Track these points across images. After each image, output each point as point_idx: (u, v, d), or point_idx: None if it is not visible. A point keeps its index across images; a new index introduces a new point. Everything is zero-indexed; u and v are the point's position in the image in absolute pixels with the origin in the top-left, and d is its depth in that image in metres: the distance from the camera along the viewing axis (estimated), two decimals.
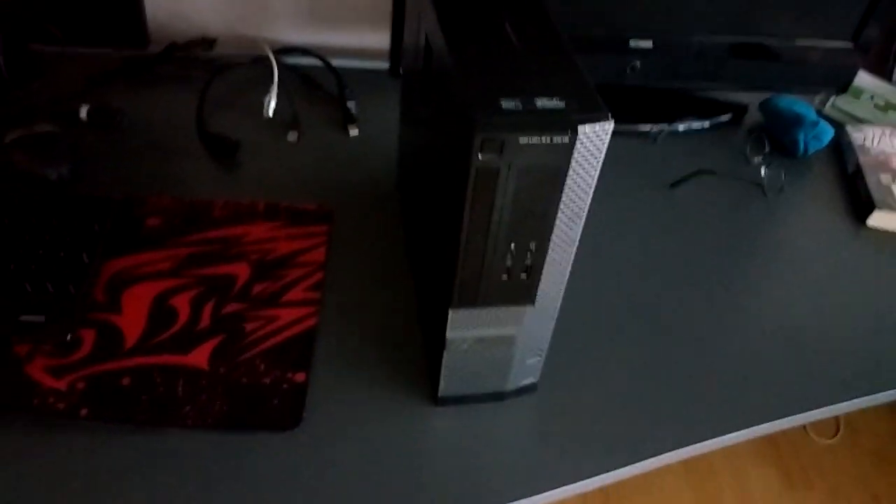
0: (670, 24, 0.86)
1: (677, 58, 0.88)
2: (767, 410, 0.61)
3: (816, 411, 0.62)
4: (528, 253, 0.47)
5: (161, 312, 0.62)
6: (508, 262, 0.47)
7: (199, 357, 0.59)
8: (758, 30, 0.87)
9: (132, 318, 0.61)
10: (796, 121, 0.89)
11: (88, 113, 0.80)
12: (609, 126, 0.42)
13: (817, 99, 1.00)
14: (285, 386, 0.58)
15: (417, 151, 0.63)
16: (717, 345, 0.66)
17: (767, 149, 0.88)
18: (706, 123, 0.94)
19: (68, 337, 0.58)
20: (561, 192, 0.44)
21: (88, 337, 0.59)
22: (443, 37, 0.48)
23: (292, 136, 0.83)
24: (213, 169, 0.78)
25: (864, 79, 0.96)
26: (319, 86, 0.90)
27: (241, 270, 0.67)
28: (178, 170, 0.77)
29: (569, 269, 0.50)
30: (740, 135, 0.93)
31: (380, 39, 0.98)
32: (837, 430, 1.55)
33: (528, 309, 0.51)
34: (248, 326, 0.62)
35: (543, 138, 0.41)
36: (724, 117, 0.96)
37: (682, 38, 0.87)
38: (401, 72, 0.85)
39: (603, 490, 1.36)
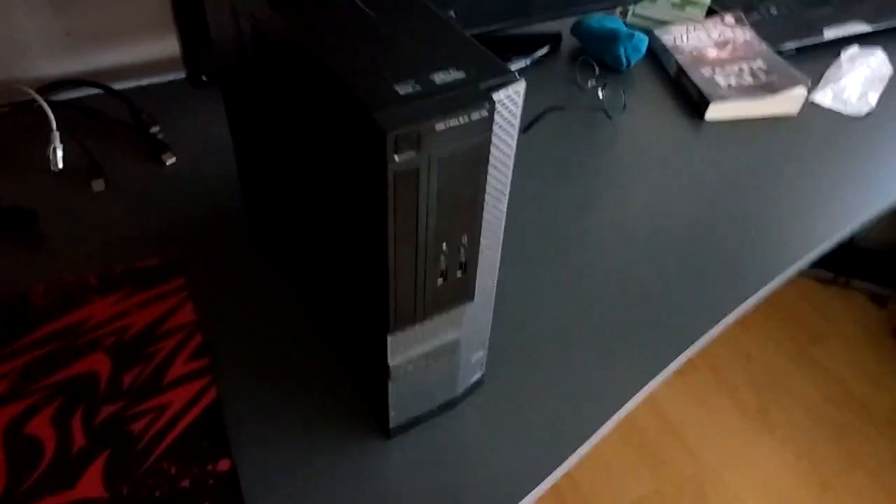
0: None
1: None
2: (686, 329, 0.61)
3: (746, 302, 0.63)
4: (462, 248, 0.41)
5: (21, 447, 0.48)
6: (443, 265, 0.41)
7: (91, 485, 0.47)
8: None
9: None
10: (612, 37, 0.90)
11: None
12: (521, 86, 0.37)
13: (618, 13, 1.02)
14: (210, 481, 0.48)
15: (275, 168, 0.54)
16: (609, 267, 0.65)
17: (597, 71, 0.88)
18: (528, 61, 0.93)
19: None
20: (485, 171, 0.38)
21: None
22: (282, 20, 0.40)
23: (98, 185, 0.68)
24: (12, 251, 0.62)
25: None
26: (108, 117, 0.75)
27: (101, 363, 0.54)
28: None
29: (500, 249, 0.45)
30: (560, 63, 0.93)
31: (163, 47, 0.84)
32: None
33: (468, 306, 0.46)
34: (136, 427, 0.50)
35: (461, 119, 0.35)
36: (543, 50, 0.95)
37: None
38: (203, 78, 0.74)
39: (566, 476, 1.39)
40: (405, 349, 0.45)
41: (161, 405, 0.52)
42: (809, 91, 0.88)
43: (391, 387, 0.47)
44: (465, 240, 0.41)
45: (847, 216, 0.73)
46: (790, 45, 0.96)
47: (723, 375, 1.59)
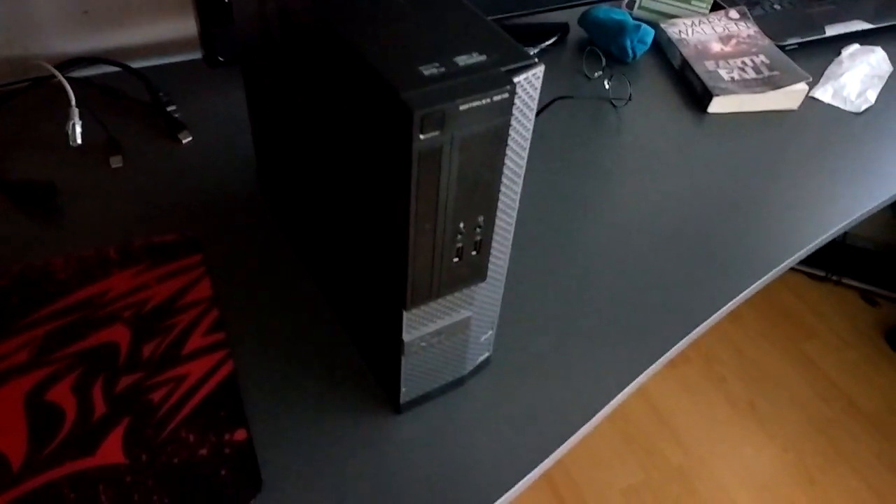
0: None
1: None
2: (686, 317, 0.63)
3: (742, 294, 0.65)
4: (477, 228, 0.43)
5: (41, 414, 0.50)
6: (459, 243, 0.43)
7: (111, 452, 0.49)
8: None
9: (8, 432, 0.49)
10: (619, 28, 0.91)
11: None
12: (540, 70, 0.39)
13: (624, 4, 1.04)
14: (227, 450, 0.49)
15: (293, 147, 0.55)
16: (612, 253, 0.67)
17: (604, 62, 0.90)
18: (535, 50, 0.94)
19: None
20: (504, 153, 0.40)
21: None
22: (310, 2, 0.41)
23: (116, 162, 0.70)
24: (31, 224, 0.64)
25: None
26: (126, 95, 0.76)
27: (120, 334, 0.56)
28: None
29: (512, 231, 0.47)
30: (567, 53, 0.95)
31: (179, 27, 0.85)
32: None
33: (481, 286, 0.48)
34: (156, 396, 0.52)
35: (483, 99, 0.36)
36: (551, 40, 0.96)
37: None
38: (220, 58, 0.76)
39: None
40: (419, 326, 0.47)
41: (179, 376, 0.54)
42: (810, 87, 0.90)
43: (404, 362, 0.49)
44: (481, 220, 0.43)
45: (843, 212, 0.75)
46: (792, 41, 0.97)
47: (714, 368, 1.61)
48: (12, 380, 0.52)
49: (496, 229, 0.45)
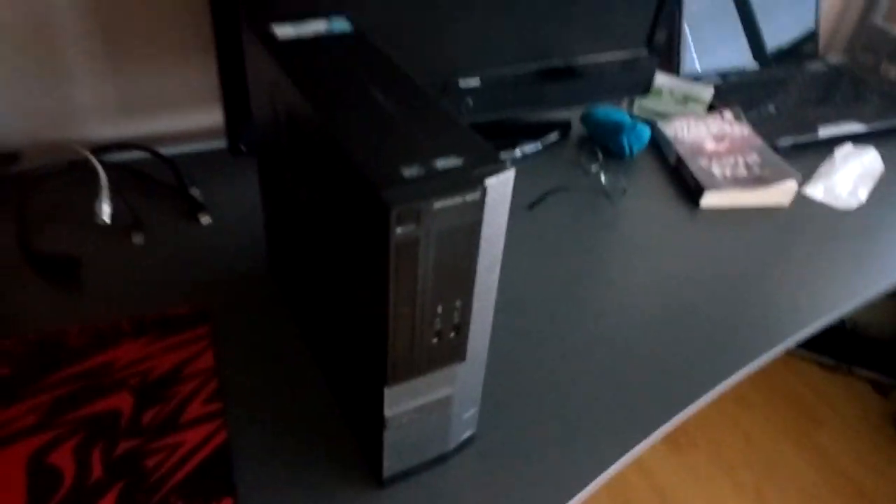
0: (490, 60, 0.90)
1: (503, 90, 0.93)
2: (676, 397, 0.65)
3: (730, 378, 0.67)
4: (455, 312, 0.46)
5: (42, 476, 0.53)
6: (438, 326, 0.46)
7: None
8: (563, 53, 0.94)
9: (7, 492, 0.52)
10: (617, 127, 0.97)
11: None
12: (511, 174, 0.43)
13: (624, 104, 1.10)
14: None
15: (297, 232, 0.60)
16: (604, 339, 0.69)
17: (600, 157, 0.95)
18: (539, 145, 1.00)
19: None
20: (478, 245, 0.44)
21: None
22: (312, 109, 0.46)
23: (138, 239, 0.75)
24: (54, 295, 0.68)
25: (661, 79, 1.08)
26: (153, 179, 0.83)
27: (123, 401, 0.59)
28: (12, 305, 0.67)
29: (491, 315, 0.50)
30: (569, 149, 1.00)
31: (207, 118, 0.93)
32: None
33: (461, 365, 0.50)
34: (150, 462, 0.55)
35: (456, 199, 0.41)
36: (553, 136, 1.02)
37: (501, 71, 0.92)
38: (242, 148, 0.82)
39: None
40: (401, 402, 0.49)
41: (175, 444, 0.56)
42: (802, 184, 0.94)
43: (386, 437, 0.51)
44: (458, 304, 0.46)
45: (834, 302, 0.77)
46: (786, 142, 1.02)
47: (722, 454, 1.59)
48: (18, 442, 0.55)
49: (474, 313, 0.48)
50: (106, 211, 0.76)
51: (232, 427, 0.58)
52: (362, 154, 0.43)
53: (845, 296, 0.78)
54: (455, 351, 0.49)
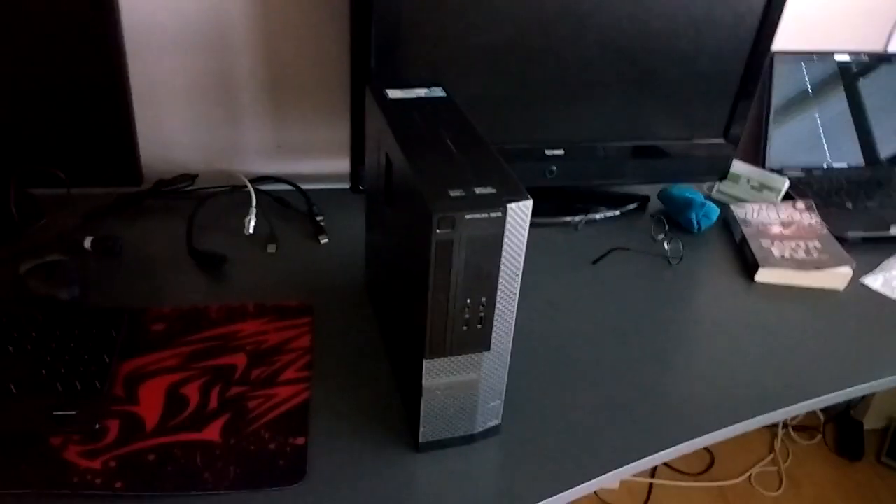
0: (578, 135, 1.05)
1: (586, 161, 1.07)
2: (696, 428, 0.74)
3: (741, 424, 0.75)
4: (481, 306, 0.61)
5: (174, 400, 0.72)
6: (466, 315, 0.61)
7: (212, 433, 0.69)
8: (649, 135, 1.08)
9: (150, 407, 0.71)
10: (688, 204, 1.08)
11: (91, 242, 0.92)
12: (529, 203, 0.58)
13: (706, 186, 1.20)
14: (288, 449, 0.68)
15: (382, 249, 0.77)
16: (646, 385, 0.79)
17: (667, 227, 1.06)
18: (617, 212, 1.13)
19: (96, 426, 0.68)
20: (500, 255, 0.59)
21: (113, 426, 0.69)
22: (402, 152, 0.64)
23: (271, 248, 0.97)
24: (205, 281, 0.90)
25: (740, 167, 1.18)
26: (291, 205, 1.05)
27: (240, 360, 0.78)
28: (175, 284, 0.89)
29: (514, 318, 0.64)
30: (645, 219, 1.12)
31: (338, 165, 1.16)
32: (780, 482, 1.67)
33: (486, 355, 0.64)
34: (251, 405, 0.72)
35: (483, 214, 0.56)
36: (632, 206, 1.14)
37: (587, 146, 1.07)
38: (361, 188, 1.02)
39: None
40: (436, 375, 0.64)
41: (271, 395, 0.74)
42: (862, 275, 0.99)
43: (423, 404, 0.65)
44: (483, 300, 0.60)
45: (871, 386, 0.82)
46: (856, 234, 1.07)
47: None
48: (163, 375, 0.75)
49: (497, 312, 0.62)
50: (251, 225, 0.98)
51: (313, 390, 0.75)
52: (425, 180, 0.59)
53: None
54: (481, 340, 0.63)
